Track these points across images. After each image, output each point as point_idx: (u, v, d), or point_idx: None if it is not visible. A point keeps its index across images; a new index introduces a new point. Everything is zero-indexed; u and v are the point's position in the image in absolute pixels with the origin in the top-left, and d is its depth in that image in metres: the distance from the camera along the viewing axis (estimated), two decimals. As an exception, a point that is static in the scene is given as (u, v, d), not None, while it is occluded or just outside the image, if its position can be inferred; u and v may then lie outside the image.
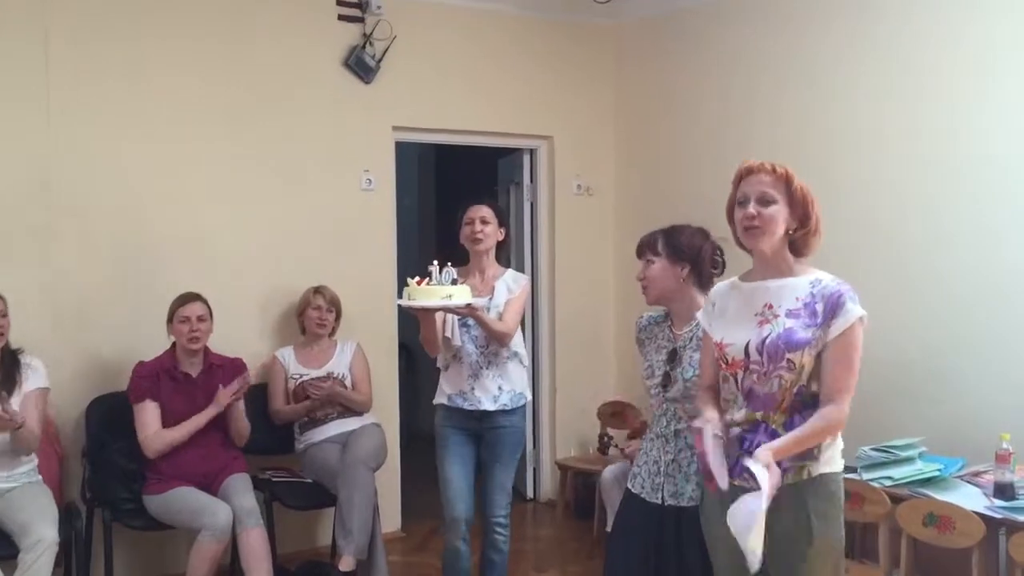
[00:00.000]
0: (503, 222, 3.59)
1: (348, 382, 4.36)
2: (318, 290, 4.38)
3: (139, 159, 4.22)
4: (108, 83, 4.14)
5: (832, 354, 2.27)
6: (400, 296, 3.31)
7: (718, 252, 2.73)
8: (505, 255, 3.75)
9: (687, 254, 2.69)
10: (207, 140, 4.36)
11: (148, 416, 3.79)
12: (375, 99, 4.77)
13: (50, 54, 4.01)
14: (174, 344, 3.91)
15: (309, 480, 4.20)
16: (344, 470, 3.97)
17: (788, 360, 2.28)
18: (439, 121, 5.00)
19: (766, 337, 2.31)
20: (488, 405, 3.48)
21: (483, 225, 3.51)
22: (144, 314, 4.02)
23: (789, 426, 2.30)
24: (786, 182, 2.33)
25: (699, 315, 2.56)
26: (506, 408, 3.51)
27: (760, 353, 2.31)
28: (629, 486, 2.77)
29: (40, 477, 3.70)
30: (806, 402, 2.30)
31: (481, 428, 3.53)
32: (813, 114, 4.34)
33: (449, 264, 3.23)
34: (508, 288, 3.54)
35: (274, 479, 4.19)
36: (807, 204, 2.33)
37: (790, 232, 2.34)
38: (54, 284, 4.02)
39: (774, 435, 2.29)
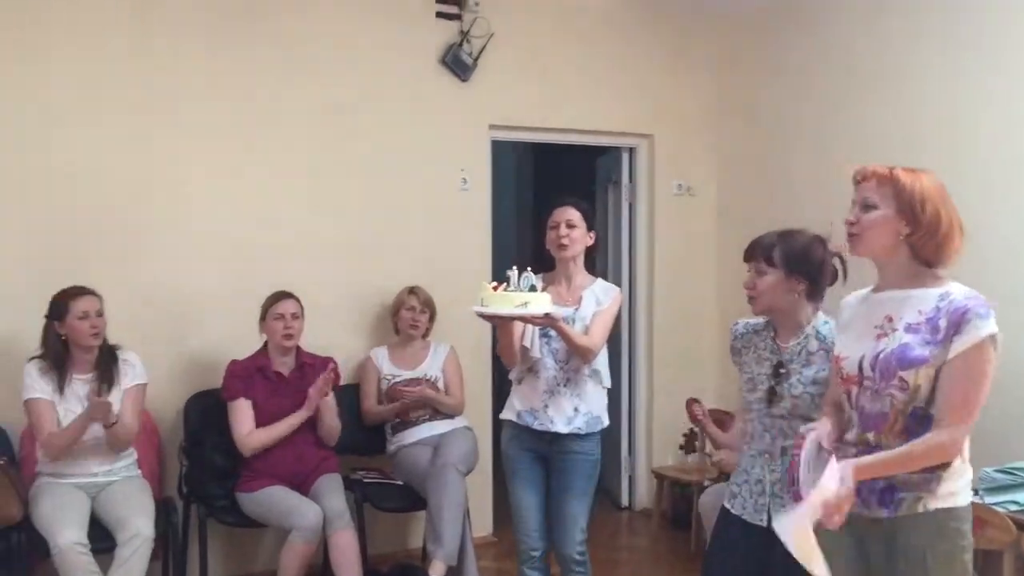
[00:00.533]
0: (592, 226, 3.31)
1: (440, 384, 4.31)
2: (412, 291, 4.34)
3: (238, 163, 4.25)
4: (214, 92, 4.19)
5: (950, 374, 2.05)
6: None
7: (836, 262, 2.56)
8: (595, 262, 3.52)
9: (805, 268, 2.51)
10: (306, 141, 4.37)
11: (241, 414, 3.80)
12: (472, 97, 4.71)
13: (169, 65, 4.09)
14: (266, 343, 3.92)
15: (400, 482, 4.16)
16: (434, 473, 3.92)
17: (900, 378, 2.09)
18: (536, 119, 4.91)
19: (880, 352, 2.13)
20: (560, 427, 3.19)
21: (569, 230, 3.23)
22: (242, 313, 4.02)
23: None
24: (892, 184, 2.14)
25: (832, 327, 2.43)
26: (579, 432, 3.20)
27: (873, 369, 2.14)
28: (727, 505, 2.62)
29: (139, 472, 3.76)
30: (922, 427, 2.09)
31: (550, 452, 3.25)
32: (928, 110, 4.08)
33: (529, 269, 2.98)
34: (597, 300, 3.25)
35: (365, 480, 4.16)
36: (916, 205, 2.11)
37: (903, 237, 2.13)
38: (156, 284, 4.08)
39: None
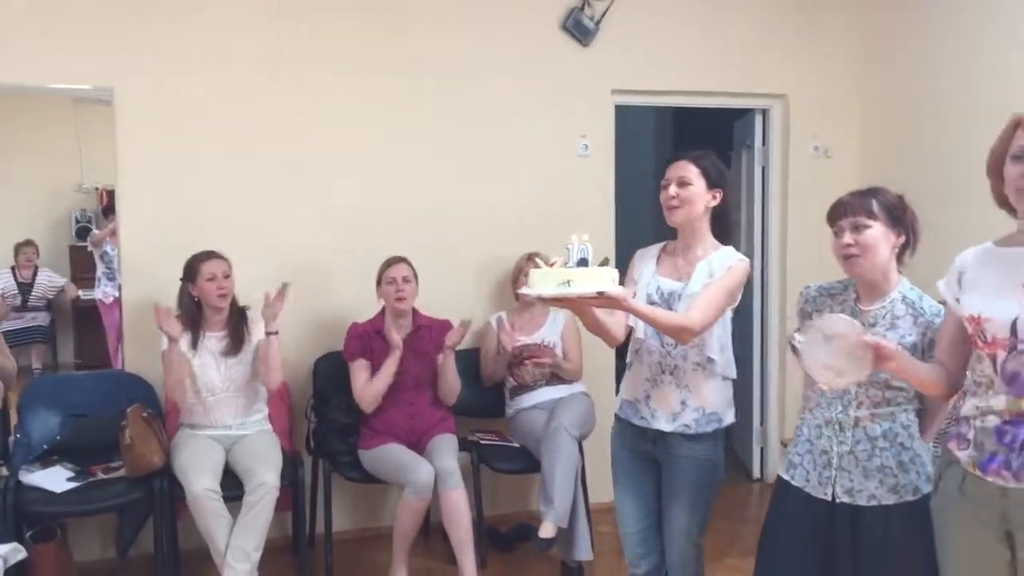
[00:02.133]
0: (715, 183, 2.71)
1: (559, 350, 4.34)
2: (531, 257, 4.38)
3: (364, 137, 4.40)
4: (341, 67, 4.35)
5: None
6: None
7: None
8: (724, 227, 2.79)
9: (903, 220, 2.38)
10: (426, 111, 4.47)
11: (360, 374, 3.97)
12: (593, 62, 4.67)
13: (299, 42, 4.28)
14: (384, 307, 4.06)
15: (516, 445, 4.24)
16: (548, 436, 3.96)
17: None
18: (660, 82, 4.81)
19: None
20: (663, 424, 2.70)
21: (681, 188, 2.67)
22: (367, 278, 4.19)
23: None
24: None
25: (941, 285, 2.24)
26: (687, 432, 2.68)
27: None
28: (786, 477, 2.50)
29: (271, 427, 4.01)
30: None
31: (656, 453, 2.76)
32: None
33: (587, 239, 2.43)
34: (710, 272, 2.67)
35: (482, 441, 4.27)
36: None
37: None
38: (288, 252, 4.29)
39: None
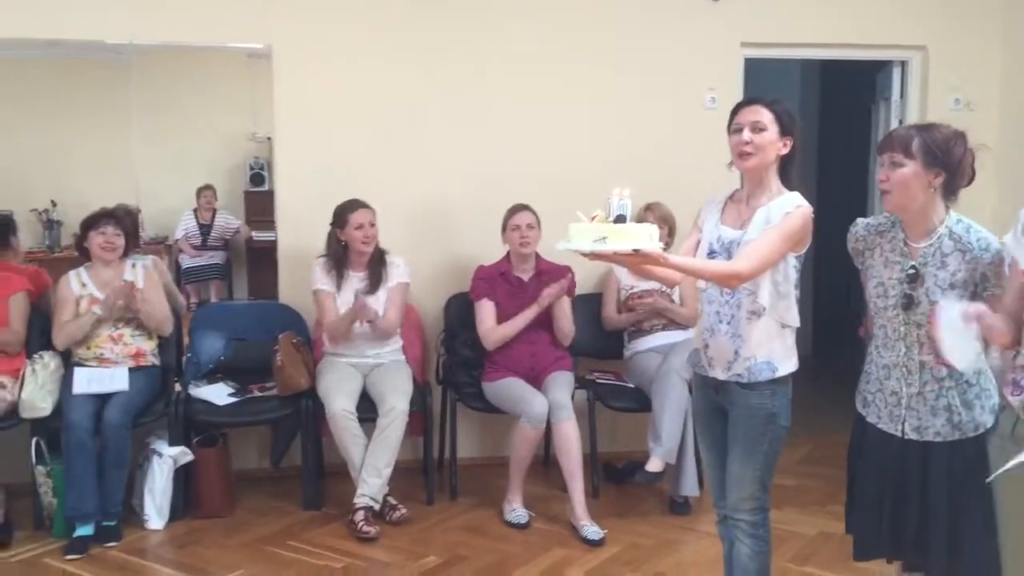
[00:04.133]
0: (787, 129, 2.63)
1: (676, 296, 4.51)
2: (649, 207, 4.53)
3: (493, 91, 4.67)
4: (470, 27, 4.63)
5: None
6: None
7: (973, 162, 2.42)
8: (789, 176, 2.69)
9: (944, 160, 2.38)
10: (552, 65, 4.69)
11: (485, 313, 4.28)
12: (723, 14, 4.74)
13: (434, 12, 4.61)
14: (509, 251, 4.35)
15: (631, 385, 4.46)
16: (660, 378, 4.17)
17: None
18: (792, 35, 4.83)
19: None
20: (719, 373, 2.69)
21: (754, 134, 2.59)
22: (495, 225, 4.47)
23: None
24: None
25: (1007, 239, 2.29)
26: (741, 381, 2.65)
27: None
28: (862, 412, 2.62)
29: (404, 357, 4.40)
30: None
31: (721, 401, 2.76)
32: None
33: (627, 192, 2.39)
34: (767, 218, 2.59)
35: (599, 380, 4.51)
36: None
37: None
38: (425, 201, 4.66)
39: None
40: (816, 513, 4.05)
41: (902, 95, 5.06)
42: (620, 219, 2.34)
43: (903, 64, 5.02)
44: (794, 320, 2.68)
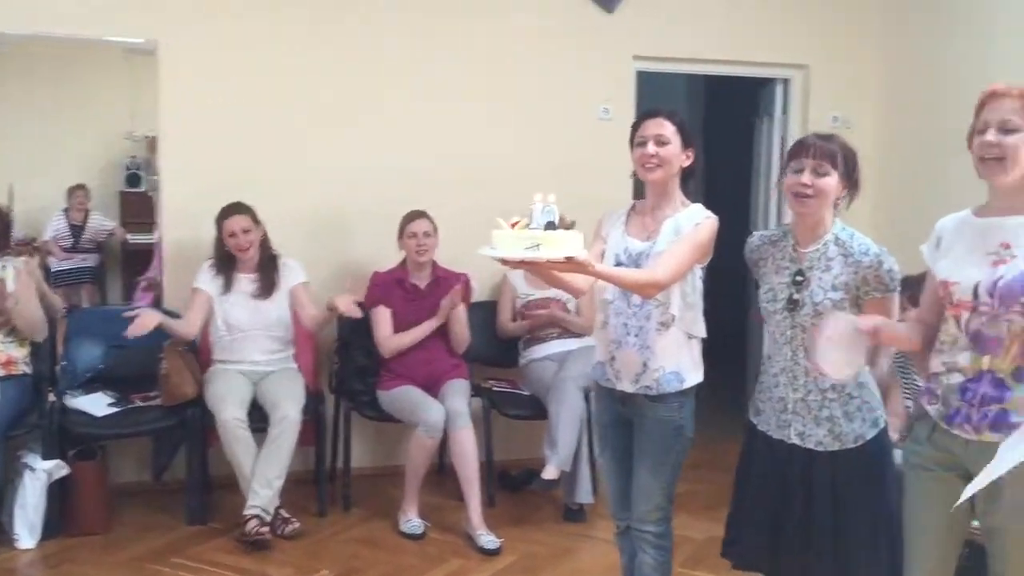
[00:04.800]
0: (689, 142, 2.68)
1: (571, 305, 4.54)
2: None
3: (383, 95, 4.62)
4: (366, 29, 4.57)
5: None
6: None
7: None
8: (693, 188, 2.77)
9: (853, 174, 2.49)
10: (448, 74, 4.68)
11: (381, 320, 4.21)
12: (617, 28, 4.82)
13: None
14: (405, 258, 4.29)
15: (527, 393, 4.47)
16: (556, 386, 4.19)
17: (1022, 304, 2.13)
18: (682, 50, 4.96)
19: (999, 279, 2.17)
20: (627, 385, 2.69)
21: (659, 147, 2.63)
22: (390, 230, 4.40)
23: (1018, 376, 2.16)
24: None
25: (923, 249, 2.39)
26: (650, 393, 2.66)
27: (991, 295, 2.18)
28: (753, 421, 2.68)
29: (296, 365, 4.28)
30: None
31: (627, 413, 2.76)
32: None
33: (553, 199, 2.35)
34: (676, 229, 2.63)
35: (495, 388, 4.50)
36: None
37: None
38: (318, 206, 4.56)
39: (999, 385, 2.17)
40: (705, 518, 4.14)
41: (784, 111, 5.26)
42: (551, 226, 2.30)
43: (785, 82, 5.22)
44: (701, 331, 2.72)
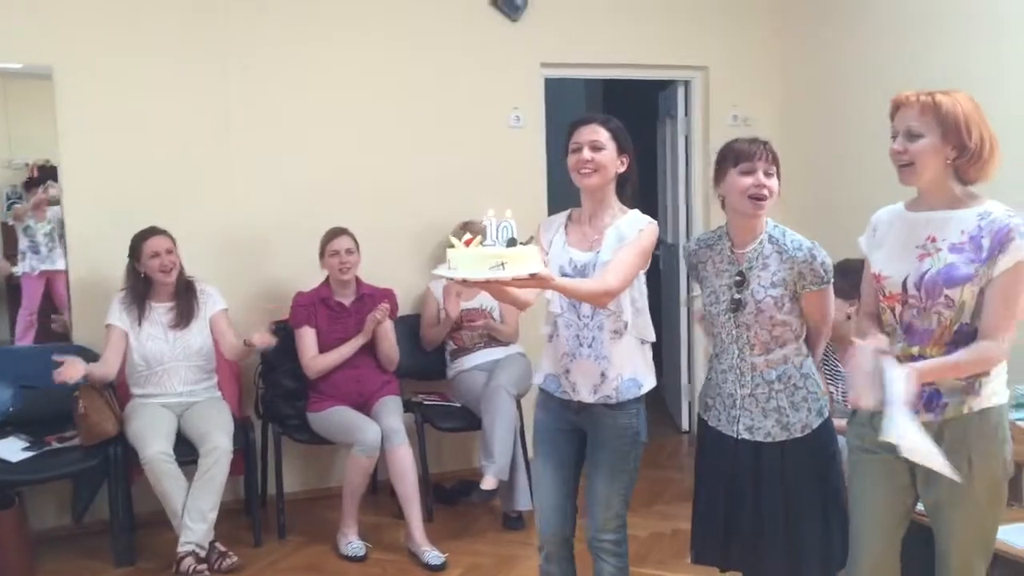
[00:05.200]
0: (624, 148, 2.67)
1: (496, 314, 4.55)
2: (465, 225, 4.55)
3: (302, 107, 4.55)
4: (275, 40, 4.48)
5: (994, 292, 2.21)
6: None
7: None
8: (630, 193, 2.76)
9: (779, 174, 2.59)
10: (359, 86, 4.64)
11: (306, 340, 4.14)
12: (522, 36, 4.86)
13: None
14: (328, 276, 4.22)
15: (458, 404, 4.46)
16: (487, 395, 4.19)
17: (947, 297, 2.24)
18: (587, 56, 5.03)
19: (925, 272, 2.27)
20: (586, 396, 2.67)
21: (594, 152, 2.62)
22: (310, 248, 4.33)
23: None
24: (935, 111, 2.23)
25: (861, 240, 2.49)
26: (609, 402, 2.66)
27: (918, 289, 2.28)
28: (704, 417, 2.76)
29: (220, 393, 4.15)
30: (968, 340, 2.24)
31: (581, 423, 2.74)
32: (1002, 39, 4.00)
33: (509, 214, 2.31)
34: (619, 236, 2.62)
35: (425, 402, 4.47)
36: (961, 130, 2.22)
37: (949, 162, 2.24)
38: (233, 226, 4.44)
39: None
40: (645, 515, 4.21)
41: (686, 112, 5.40)
42: (512, 243, 2.27)
43: (686, 83, 5.36)
44: (651, 335, 2.73)
